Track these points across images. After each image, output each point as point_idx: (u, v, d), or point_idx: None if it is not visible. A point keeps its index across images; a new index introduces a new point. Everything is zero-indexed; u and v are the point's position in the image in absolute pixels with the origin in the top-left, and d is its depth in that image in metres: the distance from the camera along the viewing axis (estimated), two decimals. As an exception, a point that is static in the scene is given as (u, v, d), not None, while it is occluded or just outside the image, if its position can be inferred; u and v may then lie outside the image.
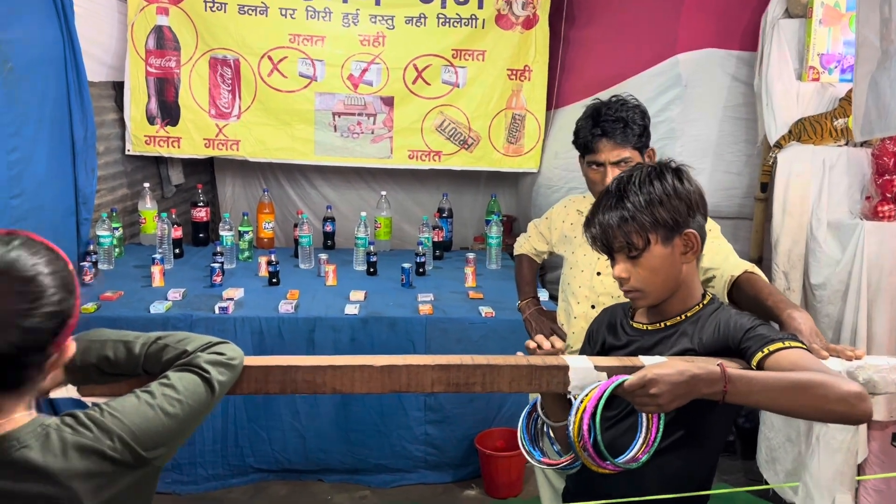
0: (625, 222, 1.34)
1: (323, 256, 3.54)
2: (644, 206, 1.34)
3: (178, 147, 3.90)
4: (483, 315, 3.05)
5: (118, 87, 3.84)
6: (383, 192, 4.07)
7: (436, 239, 3.88)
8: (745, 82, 3.30)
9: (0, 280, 0.96)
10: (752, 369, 1.25)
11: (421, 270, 3.57)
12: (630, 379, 1.21)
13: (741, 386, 1.18)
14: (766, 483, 2.80)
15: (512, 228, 4.30)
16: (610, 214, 1.36)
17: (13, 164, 2.72)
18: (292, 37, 3.87)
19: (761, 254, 3.09)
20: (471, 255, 3.54)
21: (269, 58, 3.86)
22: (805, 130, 2.70)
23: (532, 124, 4.05)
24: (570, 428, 1.25)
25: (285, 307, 3.02)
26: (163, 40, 3.79)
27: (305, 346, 3.00)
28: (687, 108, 3.32)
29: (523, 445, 1.47)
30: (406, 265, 3.41)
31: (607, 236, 1.37)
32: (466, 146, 4.08)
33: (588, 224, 1.41)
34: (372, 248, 3.58)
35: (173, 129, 3.87)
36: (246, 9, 3.81)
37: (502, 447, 3.06)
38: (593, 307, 1.93)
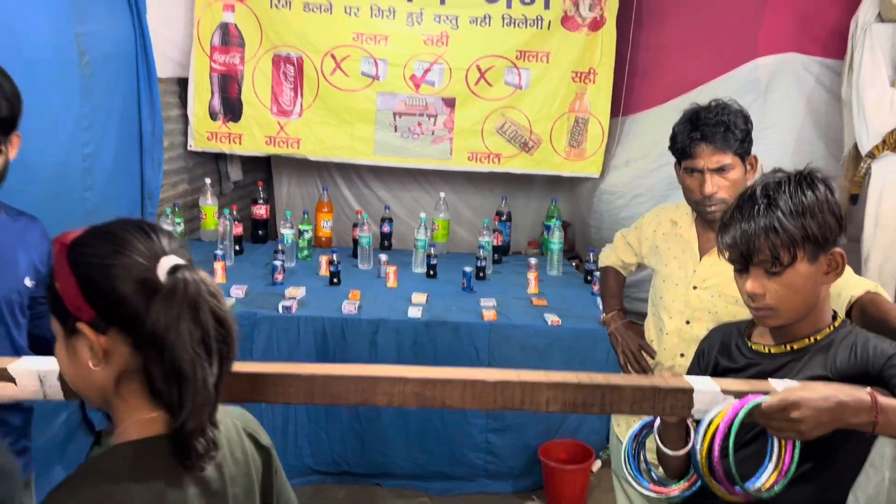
0: (773, 233, 1.23)
1: (383, 257, 3.50)
2: (796, 217, 1.23)
3: (240, 144, 3.90)
4: (549, 323, 2.98)
5: (182, 82, 3.85)
6: (442, 194, 4.02)
7: (495, 243, 3.81)
8: (827, 89, 3.17)
9: None
10: (896, 400, 1.16)
11: (481, 275, 3.51)
12: (769, 400, 1.13)
13: (895, 417, 1.09)
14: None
15: (567, 234, 4.21)
16: (755, 222, 1.24)
17: (87, 157, 2.72)
18: (356, 35, 3.84)
19: (840, 268, 2.97)
20: (533, 261, 3.47)
21: (333, 56, 3.83)
22: (901, 141, 2.58)
23: (595, 128, 3.96)
24: (698, 448, 1.17)
25: (349, 308, 2.98)
26: (228, 37, 3.79)
27: (368, 348, 2.96)
28: (765, 114, 3.20)
29: (629, 471, 1.39)
30: (467, 269, 3.35)
31: (749, 246, 1.25)
32: (527, 149, 4.01)
33: (724, 230, 1.30)
34: (433, 250, 3.53)
35: (235, 125, 3.87)
36: (311, 6, 3.79)
37: (565, 459, 2.99)
38: (688, 323, 1.85)
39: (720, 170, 1.77)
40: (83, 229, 0.97)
